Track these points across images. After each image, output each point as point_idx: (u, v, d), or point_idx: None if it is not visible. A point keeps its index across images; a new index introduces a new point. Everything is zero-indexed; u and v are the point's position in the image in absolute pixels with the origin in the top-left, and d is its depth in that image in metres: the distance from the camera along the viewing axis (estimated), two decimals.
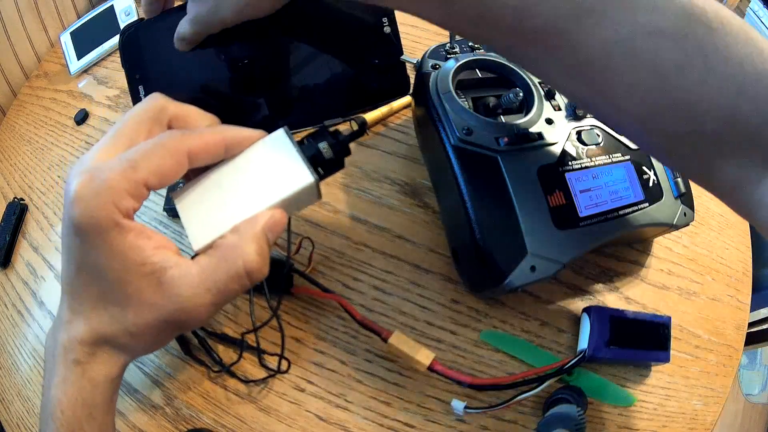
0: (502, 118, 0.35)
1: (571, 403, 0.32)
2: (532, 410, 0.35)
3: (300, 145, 0.26)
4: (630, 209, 0.34)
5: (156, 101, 0.24)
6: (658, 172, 0.36)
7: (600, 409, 0.36)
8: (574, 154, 0.34)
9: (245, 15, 0.27)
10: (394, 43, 0.36)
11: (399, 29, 0.36)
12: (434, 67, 0.36)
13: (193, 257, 0.24)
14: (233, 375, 0.36)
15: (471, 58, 0.36)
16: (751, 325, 0.72)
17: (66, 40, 0.59)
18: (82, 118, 0.53)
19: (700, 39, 0.21)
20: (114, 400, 0.25)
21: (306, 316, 0.38)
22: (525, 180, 0.32)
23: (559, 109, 0.36)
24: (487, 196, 0.32)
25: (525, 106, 0.36)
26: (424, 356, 0.33)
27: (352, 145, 0.27)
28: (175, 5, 0.34)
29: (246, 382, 0.36)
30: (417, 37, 0.50)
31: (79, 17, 0.62)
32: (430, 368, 0.33)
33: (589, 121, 0.36)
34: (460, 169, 0.32)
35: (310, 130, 0.28)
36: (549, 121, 0.35)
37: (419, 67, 0.37)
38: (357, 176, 0.43)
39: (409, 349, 0.33)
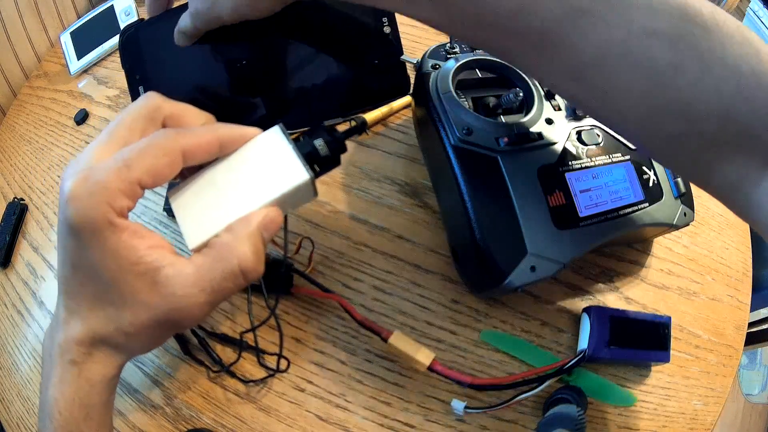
0: (502, 118, 0.35)
1: (571, 403, 0.32)
2: (532, 410, 0.35)
3: (295, 142, 0.26)
4: (630, 209, 0.34)
5: (150, 100, 0.24)
6: (658, 172, 0.36)
7: (600, 409, 0.36)
8: (574, 154, 0.34)
9: (242, 14, 0.27)
10: (394, 43, 0.36)
11: (399, 29, 0.36)
12: (434, 67, 0.36)
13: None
14: (233, 375, 0.36)
15: (471, 58, 0.36)
16: (751, 325, 0.72)
17: (66, 40, 0.59)
18: (82, 118, 0.53)
19: (696, 40, 0.21)
20: (111, 400, 0.25)
21: (306, 316, 0.38)
22: (525, 180, 0.32)
23: (559, 109, 0.36)
24: (487, 196, 0.32)
25: (525, 106, 0.36)
26: (424, 356, 0.33)
27: (352, 145, 0.27)
28: (175, 5, 0.34)
29: (246, 382, 0.36)
30: (417, 37, 0.50)
31: (79, 17, 0.62)
32: (430, 368, 0.33)
33: (589, 121, 0.36)
34: (460, 169, 0.32)
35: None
36: (549, 121, 0.35)
37: (419, 67, 0.37)
38: (357, 176, 0.43)
39: (409, 349, 0.33)
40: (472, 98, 0.36)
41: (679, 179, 0.36)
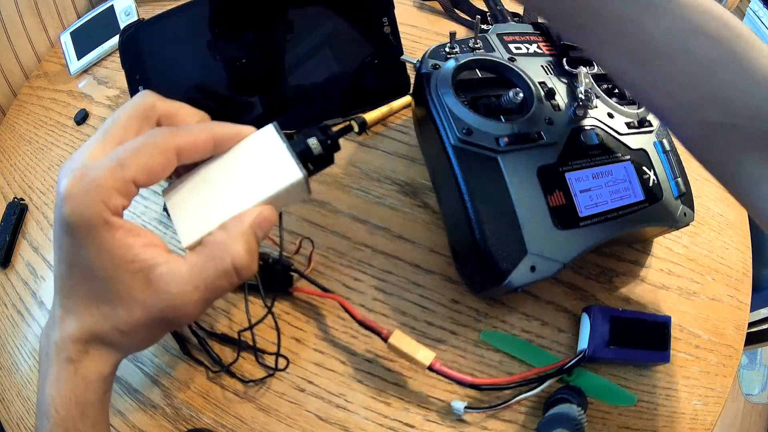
0: (502, 118, 0.35)
1: (571, 403, 0.32)
2: (532, 410, 0.35)
3: (289, 140, 0.26)
4: (630, 209, 0.34)
5: (145, 99, 0.25)
6: (658, 172, 0.36)
7: (600, 409, 0.36)
8: (574, 154, 0.34)
9: None
10: (393, 43, 0.36)
11: (399, 29, 0.36)
12: (434, 67, 0.36)
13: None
14: (233, 375, 0.36)
15: (471, 58, 0.36)
16: (751, 325, 0.72)
17: (66, 40, 0.59)
18: (82, 118, 0.53)
19: (735, 45, 0.24)
20: (107, 397, 0.25)
21: (306, 316, 0.38)
22: (525, 180, 0.32)
23: (559, 109, 0.36)
24: (487, 195, 0.32)
25: (525, 106, 0.36)
26: (424, 356, 0.33)
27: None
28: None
29: (245, 381, 0.36)
30: (417, 37, 0.50)
31: (79, 17, 0.62)
32: (430, 368, 0.33)
33: (589, 121, 0.36)
34: (460, 169, 0.32)
35: None
36: (549, 121, 0.35)
37: (419, 67, 0.37)
38: (357, 176, 0.43)
39: (409, 349, 0.33)
40: (472, 98, 0.36)
41: (679, 179, 0.36)
